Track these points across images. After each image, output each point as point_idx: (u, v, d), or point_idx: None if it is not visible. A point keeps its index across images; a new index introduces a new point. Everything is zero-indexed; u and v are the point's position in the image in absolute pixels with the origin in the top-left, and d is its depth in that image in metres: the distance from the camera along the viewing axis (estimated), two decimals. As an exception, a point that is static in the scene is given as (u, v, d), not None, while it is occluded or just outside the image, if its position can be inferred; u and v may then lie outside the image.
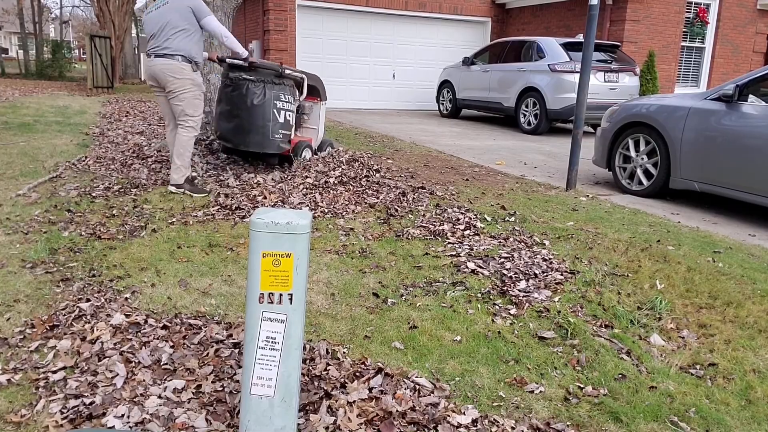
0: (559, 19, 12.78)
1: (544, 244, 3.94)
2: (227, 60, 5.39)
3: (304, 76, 5.59)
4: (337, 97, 13.52)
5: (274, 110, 5.21)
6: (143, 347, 2.43)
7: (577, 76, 5.81)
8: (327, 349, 2.47)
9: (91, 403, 2.05)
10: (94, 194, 4.80)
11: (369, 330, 2.70)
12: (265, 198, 4.66)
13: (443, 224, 4.26)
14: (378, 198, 4.87)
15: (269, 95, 5.18)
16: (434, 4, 13.61)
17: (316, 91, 5.90)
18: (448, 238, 4.00)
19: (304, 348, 2.43)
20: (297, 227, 1.71)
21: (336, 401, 2.12)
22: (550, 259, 3.66)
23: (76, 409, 2.02)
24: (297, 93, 5.49)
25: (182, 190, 4.74)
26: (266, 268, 1.73)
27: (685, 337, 2.85)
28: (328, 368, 2.32)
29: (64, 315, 2.67)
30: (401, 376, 2.32)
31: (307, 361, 2.36)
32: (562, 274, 3.42)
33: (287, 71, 5.28)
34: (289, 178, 5.28)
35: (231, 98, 5.26)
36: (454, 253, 3.73)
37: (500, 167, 6.79)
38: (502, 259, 3.61)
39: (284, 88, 5.28)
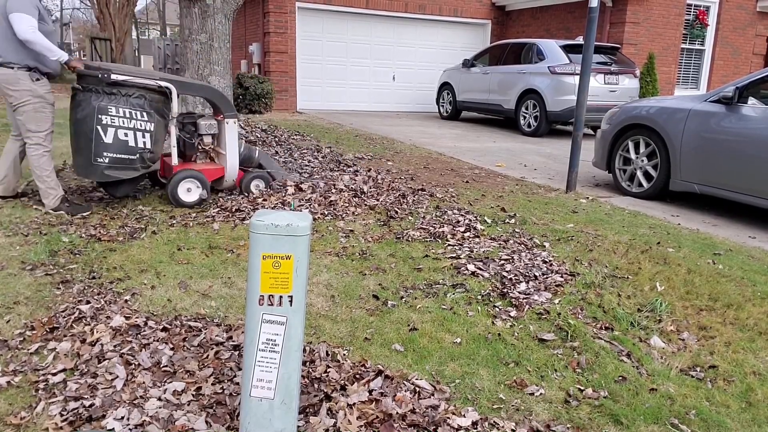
0: (559, 21, 12.79)
1: (544, 246, 3.94)
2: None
3: (165, 84, 4.33)
4: (337, 99, 13.53)
5: (98, 127, 4.12)
6: (143, 349, 2.43)
7: (577, 78, 5.82)
8: (327, 351, 2.46)
9: (90, 405, 2.05)
10: (93, 196, 4.80)
11: (369, 332, 2.70)
12: (265, 200, 4.66)
13: (443, 226, 4.26)
14: (378, 200, 4.87)
15: (91, 108, 4.12)
16: (434, 6, 13.63)
17: (216, 106, 4.80)
18: (448, 240, 4.00)
19: (304, 350, 2.42)
20: (297, 229, 1.71)
21: (336, 403, 2.11)
22: (550, 261, 3.66)
23: (76, 411, 2.02)
24: (164, 107, 4.38)
25: (61, 212, 4.25)
26: (266, 270, 1.73)
27: (686, 339, 2.85)
28: (328, 370, 2.31)
29: (64, 317, 2.67)
30: (401, 378, 2.32)
31: (307, 363, 2.36)
32: (562, 276, 3.42)
33: (114, 76, 4.11)
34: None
35: (70, 112, 4.34)
36: (454, 255, 3.73)
37: (500, 169, 6.79)
38: (502, 261, 3.61)
39: (120, 99, 4.15)
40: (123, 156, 4.23)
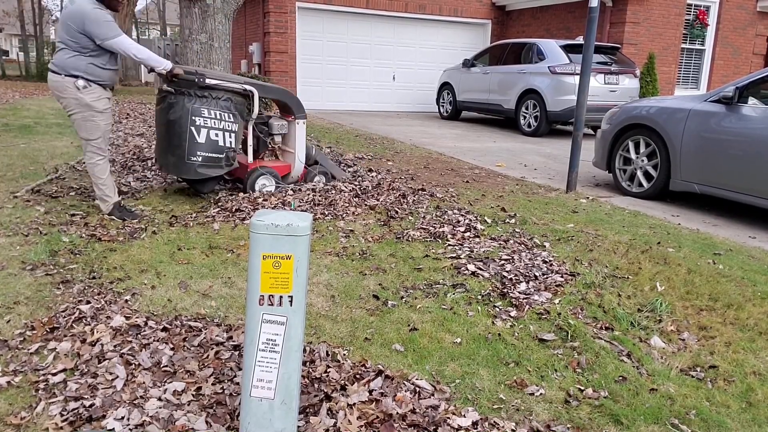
0: (559, 21, 12.79)
1: (545, 246, 3.94)
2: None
3: (249, 88, 4.64)
4: (337, 99, 13.53)
5: (192, 128, 4.40)
6: (143, 349, 2.43)
7: (577, 78, 5.82)
8: (327, 351, 2.46)
9: (91, 406, 2.05)
10: (94, 196, 4.80)
11: (369, 332, 2.70)
12: (265, 200, 4.66)
13: (443, 226, 4.26)
14: (378, 200, 4.87)
15: (186, 110, 4.39)
16: (434, 6, 13.63)
17: (287, 107, 5.08)
18: (448, 240, 4.00)
19: (304, 350, 2.42)
20: (297, 229, 1.71)
21: (336, 403, 2.11)
22: (550, 261, 3.66)
23: (76, 411, 2.02)
24: (245, 108, 4.67)
25: (113, 218, 4.27)
26: (266, 270, 1.73)
27: (686, 339, 2.85)
28: (328, 370, 2.31)
29: (64, 317, 2.67)
30: (401, 378, 2.32)
31: (307, 364, 2.36)
32: (562, 276, 3.42)
33: (209, 80, 4.40)
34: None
35: (156, 114, 4.66)
36: (454, 255, 3.73)
37: (500, 169, 6.79)
38: (503, 261, 3.61)
39: (211, 101, 4.43)
40: (213, 155, 4.53)
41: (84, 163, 4.35)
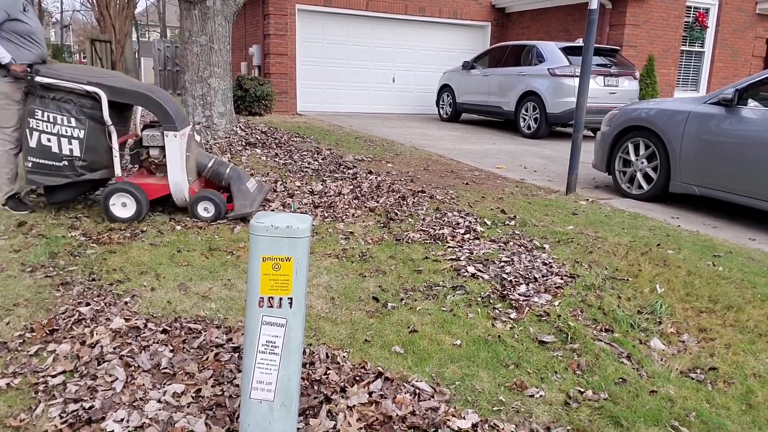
0: (559, 23, 12.81)
1: (544, 248, 3.94)
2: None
3: (92, 89, 3.98)
4: (337, 101, 13.54)
5: (27, 130, 4.02)
6: (143, 351, 2.43)
7: (577, 80, 5.82)
8: (327, 353, 2.46)
9: (90, 408, 2.04)
10: (93, 197, 4.80)
11: (369, 334, 2.70)
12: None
13: (443, 228, 4.26)
14: (378, 202, 4.87)
15: (25, 111, 4.06)
16: (434, 8, 13.64)
17: (159, 114, 4.18)
18: (448, 242, 4.00)
19: (304, 352, 2.42)
20: (297, 231, 1.71)
21: (336, 405, 2.11)
22: (550, 263, 3.65)
23: (76, 413, 2.02)
24: (96, 111, 4.05)
25: (6, 208, 4.27)
26: (266, 272, 1.73)
27: (686, 341, 2.85)
28: (328, 372, 2.31)
29: (64, 319, 2.67)
30: (401, 380, 2.32)
31: (307, 366, 2.36)
32: (562, 278, 3.41)
33: (40, 78, 3.93)
34: None
35: None
36: (454, 257, 3.73)
37: (500, 171, 6.80)
38: (502, 263, 3.61)
39: (49, 102, 3.98)
40: (47, 162, 4.07)
41: None
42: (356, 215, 4.53)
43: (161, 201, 4.44)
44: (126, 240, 3.83)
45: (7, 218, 4.13)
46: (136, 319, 2.69)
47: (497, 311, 3.00)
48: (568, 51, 9.88)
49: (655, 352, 2.73)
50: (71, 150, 4.07)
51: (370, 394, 2.19)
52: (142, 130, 4.33)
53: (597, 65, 9.40)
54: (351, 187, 5.35)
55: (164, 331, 2.61)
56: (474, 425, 2.07)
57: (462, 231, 4.21)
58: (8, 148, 4.21)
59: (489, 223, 4.47)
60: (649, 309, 3.11)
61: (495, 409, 2.21)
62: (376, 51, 13.67)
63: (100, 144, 4.14)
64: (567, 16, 12.59)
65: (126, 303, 2.89)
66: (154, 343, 2.50)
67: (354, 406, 2.11)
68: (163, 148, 4.26)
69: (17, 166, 4.34)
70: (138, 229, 4.06)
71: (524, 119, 10.33)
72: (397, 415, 2.07)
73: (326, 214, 4.48)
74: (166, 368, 2.31)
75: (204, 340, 2.55)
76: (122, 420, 1.99)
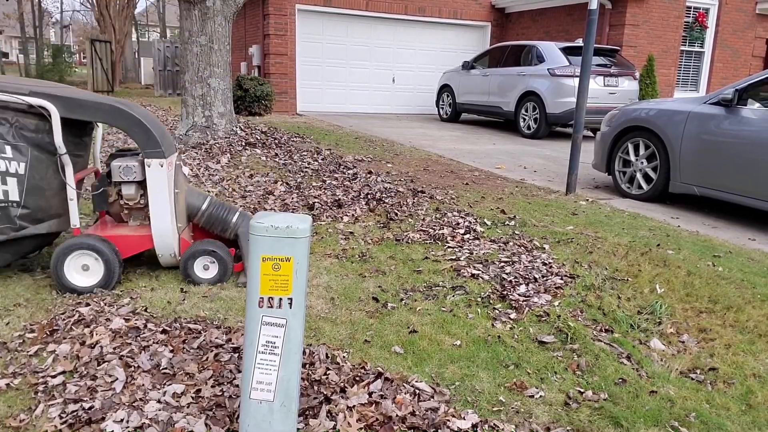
0: (559, 23, 12.81)
1: (544, 249, 3.94)
2: None
3: (39, 102, 2.80)
4: (337, 101, 13.53)
5: None
6: (143, 352, 2.42)
7: (577, 80, 5.82)
8: (327, 354, 2.46)
9: (90, 408, 2.04)
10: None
11: (369, 334, 2.70)
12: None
13: (443, 228, 4.26)
14: (378, 202, 4.87)
15: None
16: (434, 8, 13.65)
17: (138, 136, 2.98)
18: (447, 243, 4.00)
19: (304, 352, 2.42)
20: (297, 231, 1.71)
21: (336, 406, 2.11)
22: (549, 263, 3.65)
23: (75, 413, 2.01)
24: (42, 135, 2.90)
25: None
26: (266, 272, 1.73)
27: (685, 341, 2.85)
28: (327, 373, 2.31)
29: (64, 319, 2.67)
30: (401, 380, 2.32)
31: (307, 366, 2.36)
32: (562, 279, 3.41)
33: None
34: None
35: None
36: (454, 257, 3.72)
37: (500, 171, 6.80)
38: (502, 264, 3.61)
39: None
40: None
41: None
42: (356, 215, 4.53)
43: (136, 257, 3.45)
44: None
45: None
46: (136, 320, 2.68)
47: (497, 311, 3.00)
48: (567, 51, 9.88)
49: (655, 352, 2.73)
50: (5, 192, 2.87)
51: (369, 394, 2.19)
52: (108, 162, 3.15)
53: (597, 65, 9.41)
54: (351, 187, 5.35)
55: (164, 332, 2.61)
56: (474, 425, 2.07)
57: (462, 231, 4.21)
58: None
59: (489, 223, 4.47)
60: (648, 309, 3.11)
61: (495, 409, 2.20)
62: (376, 51, 13.67)
63: (48, 182, 2.95)
64: (567, 16, 12.60)
65: (126, 303, 2.88)
66: (153, 343, 2.50)
67: (354, 406, 2.11)
68: (140, 183, 3.09)
69: None
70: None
71: (524, 119, 10.33)
72: (396, 415, 2.07)
73: (326, 215, 4.48)
74: (165, 368, 2.31)
75: (204, 340, 2.55)
76: (122, 420, 1.99)
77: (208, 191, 5.02)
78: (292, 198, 4.93)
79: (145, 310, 2.82)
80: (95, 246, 2.95)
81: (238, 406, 2.04)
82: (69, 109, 2.87)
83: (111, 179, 3.11)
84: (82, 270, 2.99)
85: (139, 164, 3.04)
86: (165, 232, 3.05)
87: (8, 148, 2.82)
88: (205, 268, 3.15)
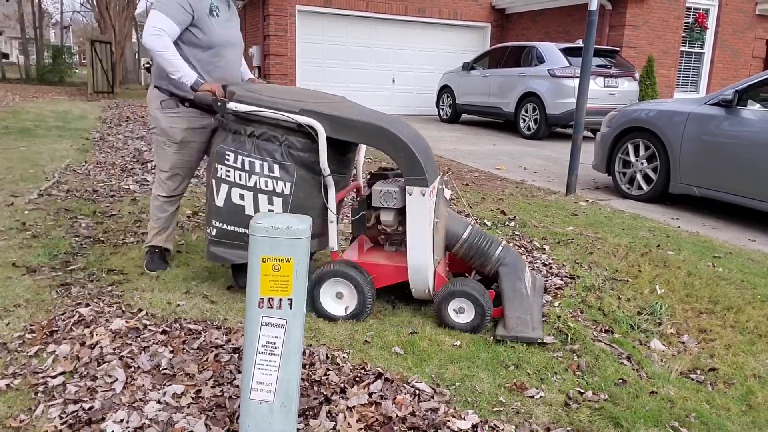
0: (559, 24, 12.82)
1: (544, 249, 3.94)
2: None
3: (308, 121, 2.67)
4: (337, 102, 13.54)
5: (213, 180, 2.84)
6: (143, 352, 2.42)
7: (577, 81, 5.83)
8: (327, 354, 2.46)
9: (90, 408, 2.04)
10: (93, 199, 4.80)
11: (369, 335, 2.70)
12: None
13: (443, 229, 4.26)
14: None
15: (213, 154, 2.89)
16: (434, 9, 13.66)
17: (401, 160, 2.72)
18: (448, 243, 3.99)
19: (304, 353, 2.42)
20: (297, 232, 1.71)
21: (336, 406, 2.11)
22: (550, 263, 3.65)
23: (75, 414, 2.01)
24: (308, 154, 2.76)
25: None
26: (266, 272, 1.73)
27: (686, 342, 2.85)
28: (327, 373, 2.31)
29: (64, 320, 2.67)
30: (401, 381, 2.32)
31: (307, 366, 2.36)
32: (562, 279, 3.42)
33: (233, 105, 2.70)
34: None
35: None
36: (454, 257, 3.72)
37: (500, 172, 6.80)
38: (502, 264, 3.61)
39: (243, 140, 2.75)
40: (237, 229, 2.83)
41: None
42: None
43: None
44: (126, 241, 3.82)
45: (7, 219, 4.13)
46: (136, 320, 2.68)
47: (497, 312, 2.99)
48: (567, 52, 9.89)
49: (655, 352, 2.73)
50: (272, 211, 2.78)
51: (370, 394, 2.19)
52: (369, 183, 3.09)
53: (597, 66, 9.41)
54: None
55: (164, 332, 2.61)
56: (474, 426, 2.07)
57: (462, 232, 4.21)
58: (159, 194, 3.24)
59: (489, 223, 4.47)
60: (649, 310, 3.11)
61: (495, 410, 2.20)
62: (375, 52, 13.68)
63: (311, 202, 2.83)
64: (567, 17, 12.61)
65: (126, 304, 2.88)
66: (153, 343, 2.50)
67: (354, 406, 2.11)
68: (399, 210, 2.88)
69: (173, 229, 3.37)
70: (138, 229, 4.06)
71: (524, 120, 10.34)
72: (396, 415, 2.07)
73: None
74: (165, 369, 2.31)
75: (204, 341, 2.55)
76: (122, 421, 1.99)
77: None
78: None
79: (146, 312, 2.82)
80: (350, 274, 2.82)
81: (238, 407, 2.04)
82: (335, 130, 2.71)
83: (371, 203, 2.95)
84: (336, 298, 2.89)
85: (400, 190, 2.84)
86: (421, 266, 2.81)
87: (276, 168, 2.73)
88: (460, 311, 2.83)
